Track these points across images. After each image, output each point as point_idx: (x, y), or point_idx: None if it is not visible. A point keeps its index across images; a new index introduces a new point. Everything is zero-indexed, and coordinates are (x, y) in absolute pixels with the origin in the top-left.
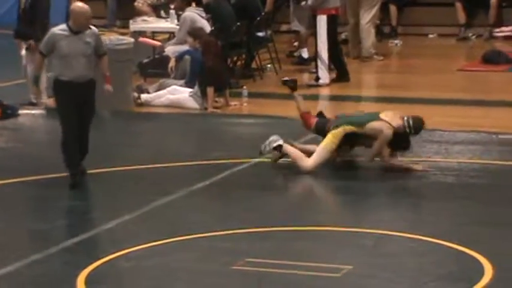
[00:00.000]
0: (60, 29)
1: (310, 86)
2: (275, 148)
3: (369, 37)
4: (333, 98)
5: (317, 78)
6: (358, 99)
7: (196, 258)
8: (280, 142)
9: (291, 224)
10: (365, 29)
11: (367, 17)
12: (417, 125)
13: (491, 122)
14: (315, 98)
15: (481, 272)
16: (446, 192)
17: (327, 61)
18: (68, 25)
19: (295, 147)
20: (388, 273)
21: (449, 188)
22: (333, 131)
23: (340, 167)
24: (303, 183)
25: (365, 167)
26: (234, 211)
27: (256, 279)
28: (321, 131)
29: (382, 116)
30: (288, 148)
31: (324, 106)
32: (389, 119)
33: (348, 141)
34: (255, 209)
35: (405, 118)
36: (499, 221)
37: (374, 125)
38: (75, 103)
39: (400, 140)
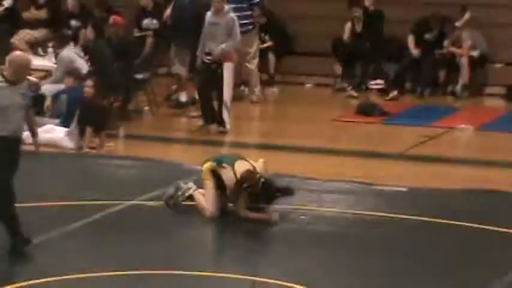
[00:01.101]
0: None
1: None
2: (189, 196)
3: (257, 82)
4: (208, 143)
5: (223, 124)
6: (233, 145)
7: None
8: (194, 187)
9: (168, 267)
10: (254, 74)
11: (254, 62)
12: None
13: (365, 172)
14: (192, 142)
15: None
16: (319, 241)
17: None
18: (2, 75)
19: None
20: None
21: (322, 237)
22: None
23: (220, 214)
24: (180, 226)
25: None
26: (109, 253)
27: None
28: None
29: (236, 164)
30: (196, 196)
31: (198, 151)
32: (239, 168)
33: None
34: (131, 251)
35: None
36: (368, 271)
37: (225, 175)
38: (8, 160)
39: (267, 191)
